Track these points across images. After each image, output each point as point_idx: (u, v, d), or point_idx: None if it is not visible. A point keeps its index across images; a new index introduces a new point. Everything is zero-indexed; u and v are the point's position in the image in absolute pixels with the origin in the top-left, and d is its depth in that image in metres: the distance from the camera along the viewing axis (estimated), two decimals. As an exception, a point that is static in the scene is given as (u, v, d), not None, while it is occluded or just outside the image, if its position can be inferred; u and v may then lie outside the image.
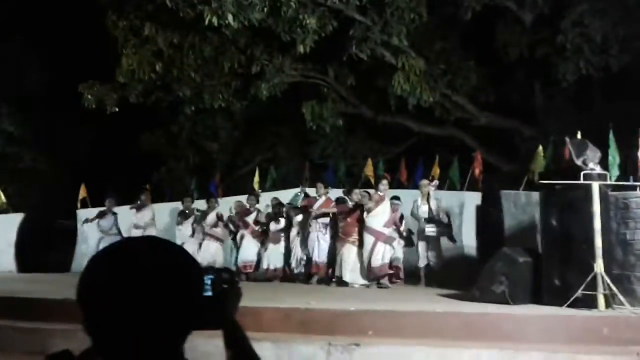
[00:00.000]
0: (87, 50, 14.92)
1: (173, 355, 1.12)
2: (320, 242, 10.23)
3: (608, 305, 6.16)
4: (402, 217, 10.02)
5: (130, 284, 1.07)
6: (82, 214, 14.10)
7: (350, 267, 9.60)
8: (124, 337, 1.07)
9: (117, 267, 1.10)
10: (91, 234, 13.16)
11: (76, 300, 1.10)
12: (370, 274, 9.38)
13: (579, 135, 6.97)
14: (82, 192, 14.21)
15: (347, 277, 9.59)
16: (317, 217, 10.36)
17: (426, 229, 9.98)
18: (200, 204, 12.33)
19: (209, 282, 1.26)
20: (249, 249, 11.21)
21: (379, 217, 9.42)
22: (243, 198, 11.87)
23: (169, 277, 1.11)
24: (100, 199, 14.03)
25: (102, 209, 12.75)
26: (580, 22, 11.39)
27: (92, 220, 12.69)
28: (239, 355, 1.32)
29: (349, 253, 9.65)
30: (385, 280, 9.33)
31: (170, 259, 1.15)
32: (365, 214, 9.50)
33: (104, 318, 1.07)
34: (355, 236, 9.71)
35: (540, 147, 10.51)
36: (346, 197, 10.33)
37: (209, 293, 1.25)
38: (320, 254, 10.18)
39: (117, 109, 13.80)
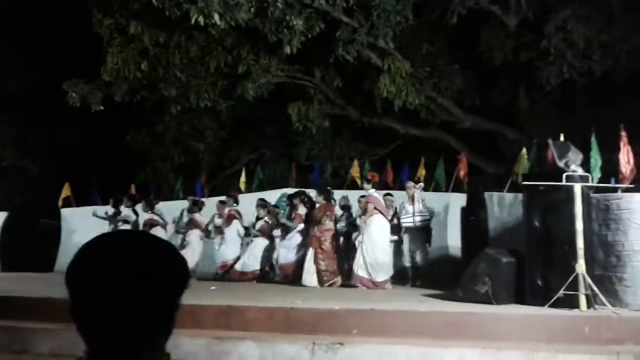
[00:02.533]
0: (71, 48, 14.80)
1: (154, 351, 1.13)
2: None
3: (589, 305, 6.23)
4: (396, 214, 10.00)
5: (115, 275, 1.08)
6: (65, 213, 13.96)
7: (305, 269, 9.45)
8: (104, 326, 1.08)
9: (104, 256, 1.12)
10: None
11: (65, 283, 1.12)
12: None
13: (561, 138, 7.05)
14: (66, 191, 14.06)
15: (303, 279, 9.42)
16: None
17: (405, 222, 9.76)
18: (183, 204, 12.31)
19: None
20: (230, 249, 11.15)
21: (377, 219, 9.18)
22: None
23: (154, 271, 1.12)
24: (84, 197, 13.93)
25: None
26: (564, 27, 11.54)
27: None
28: None
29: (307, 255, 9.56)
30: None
31: (157, 254, 1.16)
32: (364, 217, 9.26)
33: (88, 306, 1.09)
34: (311, 238, 9.57)
35: (524, 150, 10.62)
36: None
37: None
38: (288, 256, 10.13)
39: (102, 108, 13.72)
